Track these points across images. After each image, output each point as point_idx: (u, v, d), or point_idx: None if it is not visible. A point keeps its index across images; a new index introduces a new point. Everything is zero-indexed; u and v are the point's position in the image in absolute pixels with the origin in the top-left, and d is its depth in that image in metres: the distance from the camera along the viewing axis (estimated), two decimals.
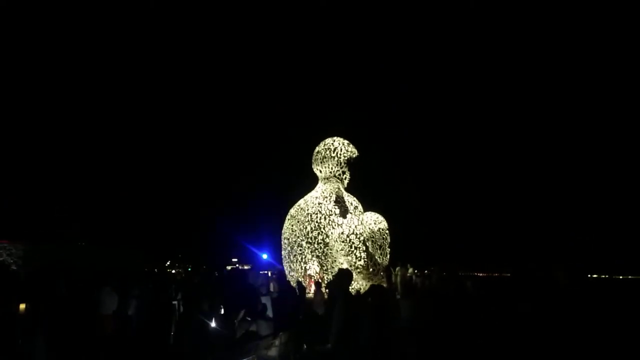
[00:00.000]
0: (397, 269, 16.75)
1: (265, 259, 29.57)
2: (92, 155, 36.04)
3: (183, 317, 6.57)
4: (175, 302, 9.63)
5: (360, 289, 16.34)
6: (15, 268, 13.16)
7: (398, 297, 10.25)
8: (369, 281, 16.75)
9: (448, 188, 39.68)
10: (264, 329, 6.66)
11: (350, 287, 14.92)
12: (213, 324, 7.14)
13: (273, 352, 6.66)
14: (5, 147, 29.98)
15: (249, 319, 6.57)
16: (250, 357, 5.87)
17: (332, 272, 16.71)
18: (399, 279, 14.95)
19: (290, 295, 11.98)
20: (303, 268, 17.26)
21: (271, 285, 18.40)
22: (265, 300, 10.96)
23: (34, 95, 32.50)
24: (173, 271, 14.91)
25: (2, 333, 5.75)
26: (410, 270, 17.36)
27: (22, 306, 6.13)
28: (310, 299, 12.92)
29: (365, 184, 20.57)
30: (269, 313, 8.97)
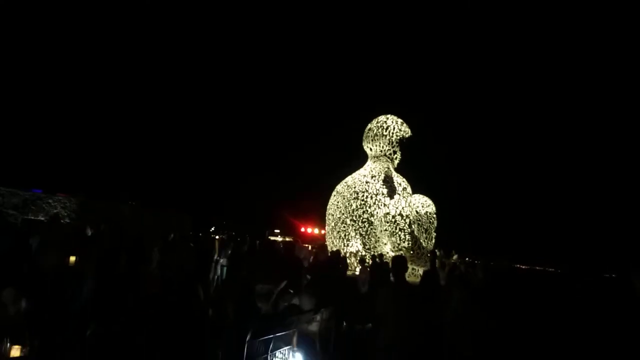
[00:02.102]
0: (455, 256, 16.28)
1: (309, 233, 29.70)
2: (149, 125, 36.93)
3: (227, 281, 6.52)
4: (220, 266, 9.70)
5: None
6: (68, 221, 13.72)
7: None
8: (411, 264, 16.46)
9: (502, 178, 38.34)
10: (306, 303, 6.51)
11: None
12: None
13: (314, 327, 6.51)
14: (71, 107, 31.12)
15: (292, 291, 6.42)
16: (291, 330, 5.73)
17: (374, 252, 16.49)
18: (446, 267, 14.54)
19: (332, 270, 11.84)
20: (345, 245, 17.12)
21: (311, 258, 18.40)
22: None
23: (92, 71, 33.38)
24: (216, 237, 15.13)
25: (55, 285, 5.87)
26: (455, 257, 16.88)
27: (72, 259, 6.25)
28: (353, 276, 12.78)
29: (417, 166, 20.05)
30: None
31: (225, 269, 9.44)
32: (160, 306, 6.09)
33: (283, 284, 6.61)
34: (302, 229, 31.07)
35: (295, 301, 6.33)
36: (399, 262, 5.36)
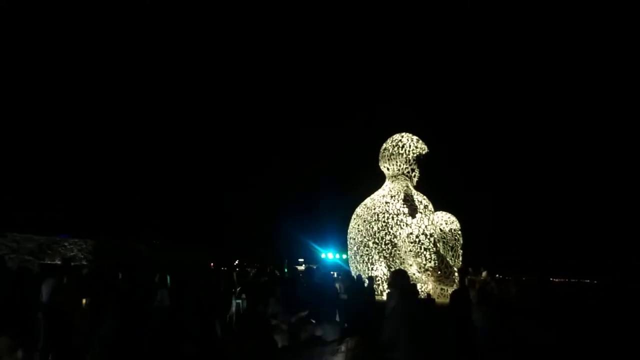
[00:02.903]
0: (484, 273, 15.73)
1: (330, 259, 29.20)
2: (166, 157, 37.19)
3: (245, 316, 6.20)
4: (238, 301, 9.40)
5: (430, 291, 15.56)
6: (85, 263, 13.66)
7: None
8: (439, 284, 15.95)
9: (526, 188, 37.37)
10: (330, 333, 6.14)
11: (420, 291, 14.11)
12: (284, 327, 6.76)
13: (339, 358, 6.13)
14: (77, 143, 31.44)
15: (314, 321, 6.08)
16: None
17: None
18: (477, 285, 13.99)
19: (358, 296, 11.43)
20: (370, 269, 16.71)
21: (337, 286, 17.97)
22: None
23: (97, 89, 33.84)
24: (237, 269, 14.93)
25: (58, 328, 5.67)
26: (484, 274, 16.28)
27: (84, 301, 6.05)
28: (382, 301, 12.34)
29: (436, 182, 19.63)
30: (335, 316, 8.48)
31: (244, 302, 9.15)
32: (175, 345, 5.82)
33: (304, 314, 6.29)
34: (323, 255, 30.61)
35: (319, 332, 6.01)
36: (398, 276, 5.03)
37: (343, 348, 6.39)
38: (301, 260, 35.36)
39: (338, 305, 10.12)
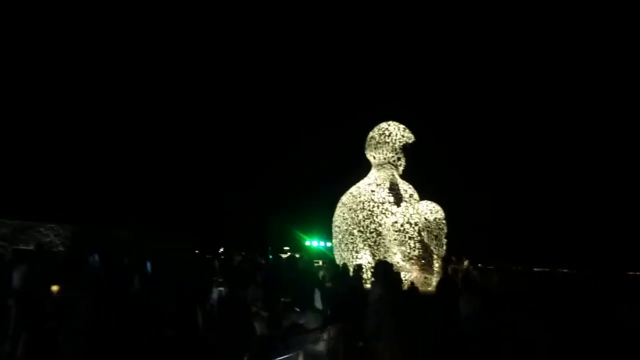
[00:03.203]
0: (466, 262, 15.77)
1: (315, 247, 29.15)
2: (151, 143, 36.54)
3: (226, 304, 6.06)
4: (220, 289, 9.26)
5: (413, 280, 15.58)
6: (62, 249, 13.33)
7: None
8: (423, 272, 15.99)
9: (510, 178, 37.54)
10: (312, 321, 6.03)
11: (403, 279, 14.08)
12: (264, 314, 6.63)
13: (321, 346, 6.02)
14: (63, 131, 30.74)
15: (297, 309, 5.95)
16: (296, 352, 5.25)
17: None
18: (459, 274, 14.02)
19: (343, 284, 11.33)
20: (354, 257, 16.65)
21: (320, 273, 17.87)
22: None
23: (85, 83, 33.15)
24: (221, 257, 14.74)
25: (30, 315, 5.49)
26: (466, 263, 16.34)
27: (55, 288, 5.85)
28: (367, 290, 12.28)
29: (423, 171, 19.59)
30: (318, 304, 8.36)
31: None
32: (156, 332, 5.67)
33: (286, 301, 6.17)
34: (307, 243, 30.52)
35: (301, 320, 5.89)
36: (380, 266, 4.96)
37: (325, 336, 6.30)
38: (286, 248, 35.27)
39: (322, 293, 10.00)
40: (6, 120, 27.70)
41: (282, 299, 6.19)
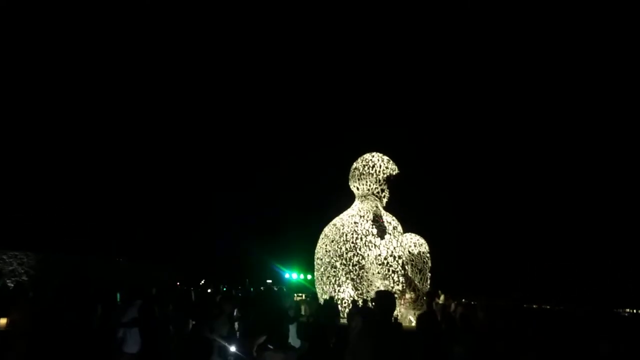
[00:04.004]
0: (441, 297, 15.38)
1: (295, 279, 28.44)
2: (135, 169, 35.85)
3: (191, 339, 5.61)
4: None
5: (397, 316, 15.15)
6: (25, 278, 12.63)
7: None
8: (407, 308, 15.60)
9: (495, 208, 37.48)
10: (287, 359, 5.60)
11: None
12: (232, 349, 6.18)
13: None
14: (33, 153, 29.87)
15: (271, 346, 5.51)
16: None
17: (367, 297, 15.60)
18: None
19: (327, 318, 10.93)
20: (336, 290, 16.20)
21: (302, 308, 17.30)
22: (291, 326, 9.85)
23: (56, 100, 32.48)
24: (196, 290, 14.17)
25: None
26: (442, 297, 15.94)
27: (2, 321, 5.39)
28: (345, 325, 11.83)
29: (406, 203, 19.37)
30: (293, 341, 7.90)
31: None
32: None
33: (261, 339, 5.71)
34: (287, 275, 29.84)
35: (278, 357, 5.45)
36: (382, 298, 4.63)
37: None
38: (269, 281, 34.42)
39: (298, 328, 9.54)
40: None
41: (255, 337, 5.74)
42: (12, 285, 10.52)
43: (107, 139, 34.79)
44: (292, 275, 29.19)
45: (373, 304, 8.39)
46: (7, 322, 5.22)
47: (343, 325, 11.06)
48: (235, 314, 8.19)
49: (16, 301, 5.59)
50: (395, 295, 15.73)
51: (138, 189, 35.43)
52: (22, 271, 13.05)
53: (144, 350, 5.77)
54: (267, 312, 7.05)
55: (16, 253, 13.32)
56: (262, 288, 17.64)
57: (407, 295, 15.35)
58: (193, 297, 10.34)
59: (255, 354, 5.27)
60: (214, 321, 6.03)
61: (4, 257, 13.03)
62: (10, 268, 12.67)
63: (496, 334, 7.29)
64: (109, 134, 35.19)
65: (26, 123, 30.47)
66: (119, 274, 13.62)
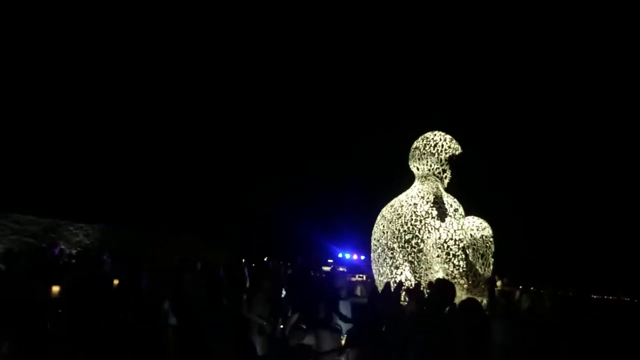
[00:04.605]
0: (500, 281, 14.55)
1: (348, 259, 28.17)
2: (184, 149, 36.78)
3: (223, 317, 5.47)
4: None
5: (457, 301, 14.51)
6: (90, 248, 13.29)
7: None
8: (467, 293, 14.90)
9: (569, 192, 35.28)
10: (327, 341, 5.33)
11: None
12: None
13: None
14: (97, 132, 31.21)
15: (304, 327, 5.26)
16: None
17: (425, 280, 15.09)
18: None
19: (377, 302, 10.59)
20: (394, 273, 15.78)
21: (358, 289, 17.06)
22: (344, 305, 9.62)
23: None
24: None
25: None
26: (499, 282, 15.03)
27: (56, 289, 5.49)
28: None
29: (470, 185, 18.46)
30: (340, 323, 7.63)
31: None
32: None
33: (294, 318, 5.48)
34: (340, 255, 29.63)
35: (311, 340, 5.20)
36: (442, 286, 4.32)
37: (343, 359, 5.56)
38: (330, 261, 34.31)
39: (350, 309, 9.29)
40: (37, 121, 28.48)
41: (289, 315, 5.52)
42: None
43: (166, 119, 35.85)
44: (345, 256, 28.97)
45: (429, 290, 8.01)
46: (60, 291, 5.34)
47: (397, 308, 10.69)
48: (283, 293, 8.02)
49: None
50: (455, 280, 15.10)
51: (200, 169, 36.39)
52: (88, 242, 13.80)
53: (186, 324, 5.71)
54: (302, 292, 6.81)
55: (82, 225, 14.18)
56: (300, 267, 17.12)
57: (462, 281, 14.62)
58: (246, 273, 10.30)
59: (287, 334, 5.05)
60: (251, 299, 5.87)
61: (71, 227, 13.87)
62: (77, 239, 13.46)
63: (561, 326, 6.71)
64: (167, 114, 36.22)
65: (85, 106, 31.89)
66: (176, 250, 13.95)
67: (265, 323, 5.48)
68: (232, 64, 42.29)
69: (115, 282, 7.48)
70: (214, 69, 41.01)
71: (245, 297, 6.53)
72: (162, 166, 33.99)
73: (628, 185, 34.77)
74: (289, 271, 12.46)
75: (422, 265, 15.58)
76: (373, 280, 17.75)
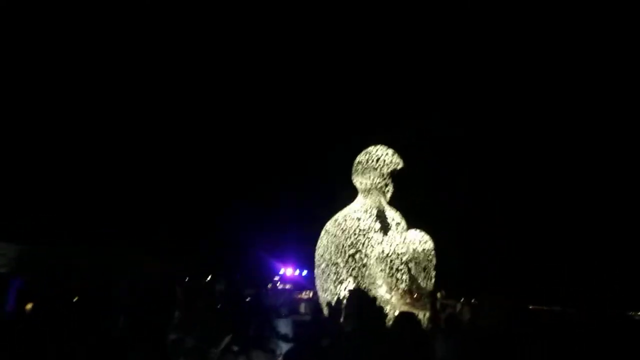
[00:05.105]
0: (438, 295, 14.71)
1: (290, 276, 27.86)
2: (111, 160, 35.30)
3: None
4: None
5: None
6: (3, 271, 12.15)
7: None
8: (410, 308, 14.95)
9: (506, 202, 36.49)
10: None
11: (388, 314, 13.07)
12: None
13: None
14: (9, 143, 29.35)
15: (236, 348, 4.95)
16: None
17: (370, 295, 15.00)
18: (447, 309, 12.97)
19: (321, 320, 10.35)
20: (337, 288, 15.63)
21: (302, 306, 16.77)
22: (285, 324, 9.36)
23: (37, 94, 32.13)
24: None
25: None
26: (439, 295, 15.20)
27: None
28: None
29: (411, 199, 18.67)
30: (280, 343, 7.34)
31: None
32: None
33: (226, 340, 5.16)
34: (282, 271, 29.27)
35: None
36: (358, 296, 4.17)
37: None
38: (277, 278, 33.63)
39: (292, 327, 9.00)
40: None
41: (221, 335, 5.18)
42: None
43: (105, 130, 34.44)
44: (286, 271, 28.64)
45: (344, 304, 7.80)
46: None
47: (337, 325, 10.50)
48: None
49: None
50: (399, 295, 15.13)
51: (133, 181, 35.00)
52: (2, 263, 12.57)
53: None
54: (235, 311, 6.49)
55: None
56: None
57: (405, 295, 14.70)
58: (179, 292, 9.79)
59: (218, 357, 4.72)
60: (182, 318, 5.49)
61: None
62: None
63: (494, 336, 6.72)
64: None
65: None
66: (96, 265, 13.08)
67: (195, 344, 5.11)
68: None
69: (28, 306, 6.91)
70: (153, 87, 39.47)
71: (176, 316, 6.13)
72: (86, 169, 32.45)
73: (566, 188, 36.42)
74: (221, 288, 11.94)
75: (366, 280, 15.51)
76: (317, 296, 17.54)
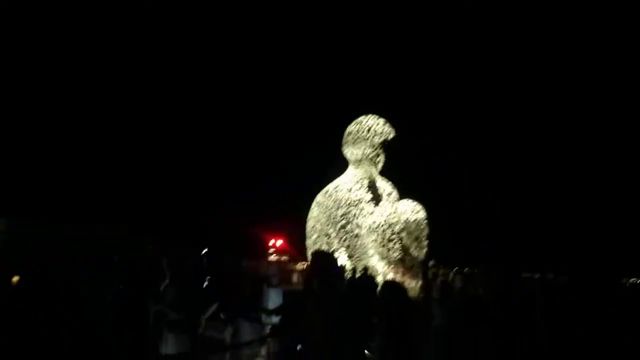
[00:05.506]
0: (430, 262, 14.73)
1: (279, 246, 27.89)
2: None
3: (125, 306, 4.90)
4: None
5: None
6: None
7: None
8: (402, 277, 14.97)
9: (499, 171, 36.56)
10: (246, 332, 4.92)
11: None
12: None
13: None
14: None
15: (223, 317, 4.82)
16: None
17: (361, 265, 15.00)
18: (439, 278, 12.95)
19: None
20: None
21: (295, 276, 16.78)
22: (276, 294, 9.26)
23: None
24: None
25: None
26: (431, 263, 15.18)
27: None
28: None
29: (403, 168, 18.48)
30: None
31: None
32: None
33: (212, 309, 5.03)
34: (272, 242, 29.28)
35: (227, 332, 4.78)
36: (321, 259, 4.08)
37: (263, 352, 5.18)
38: (272, 251, 33.50)
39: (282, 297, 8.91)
40: None
41: (206, 305, 5.03)
42: None
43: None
44: (277, 243, 28.66)
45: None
46: None
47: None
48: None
49: None
50: (392, 265, 15.12)
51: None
52: None
53: None
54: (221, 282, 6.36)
55: None
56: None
57: (398, 265, 14.72)
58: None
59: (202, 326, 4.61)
60: (164, 290, 5.34)
61: None
62: None
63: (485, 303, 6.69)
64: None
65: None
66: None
67: (177, 315, 4.96)
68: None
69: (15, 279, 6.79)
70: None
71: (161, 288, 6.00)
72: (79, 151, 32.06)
73: (557, 160, 36.59)
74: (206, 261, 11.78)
75: (357, 250, 15.48)
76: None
